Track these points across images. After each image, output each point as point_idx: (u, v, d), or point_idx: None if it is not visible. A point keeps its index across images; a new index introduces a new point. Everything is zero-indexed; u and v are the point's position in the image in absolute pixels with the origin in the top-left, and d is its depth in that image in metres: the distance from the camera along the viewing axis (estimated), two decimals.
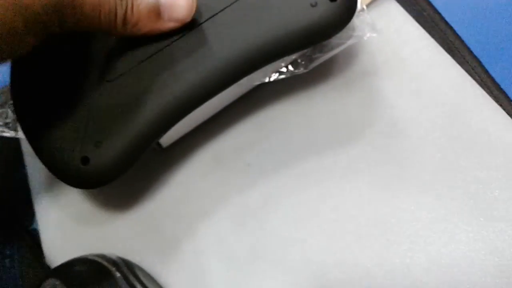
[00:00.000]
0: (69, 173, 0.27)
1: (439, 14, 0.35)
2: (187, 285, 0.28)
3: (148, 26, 0.27)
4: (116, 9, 0.25)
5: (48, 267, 0.30)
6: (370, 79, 0.32)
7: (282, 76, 0.30)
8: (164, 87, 0.27)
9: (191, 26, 0.28)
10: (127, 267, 0.27)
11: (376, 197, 0.28)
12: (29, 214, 0.33)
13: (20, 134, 0.33)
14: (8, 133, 0.33)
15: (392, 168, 0.29)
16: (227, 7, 0.28)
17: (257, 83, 0.31)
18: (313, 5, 0.27)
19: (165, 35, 0.28)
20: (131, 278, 0.26)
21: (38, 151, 0.28)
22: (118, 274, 0.26)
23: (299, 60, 0.31)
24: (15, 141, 0.35)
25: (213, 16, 0.28)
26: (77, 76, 0.28)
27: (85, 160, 0.27)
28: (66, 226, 0.32)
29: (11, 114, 0.33)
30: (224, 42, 0.28)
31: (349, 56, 0.33)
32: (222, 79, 0.28)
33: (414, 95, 0.31)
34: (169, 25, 0.27)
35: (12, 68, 0.30)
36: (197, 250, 0.29)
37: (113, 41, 0.28)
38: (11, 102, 0.32)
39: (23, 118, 0.29)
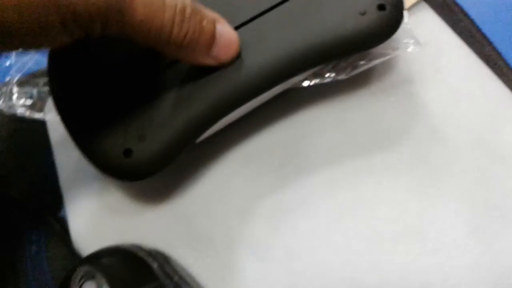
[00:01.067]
0: (110, 164, 0.27)
1: (476, 25, 0.35)
2: (220, 280, 0.28)
3: (192, 54, 0.26)
4: (171, 27, 0.24)
5: (78, 256, 0.30)
6: (407, 87, 0.32)
7: (324, 81, 0.30)
8: (211, 83, 0.27)
9: (240, 23, 0.28)
10: (163, 259, 0.27)
11: (413, 204, 0.28)
12: (58, 200, 0.32)
13: (48, 116, 0.33)
14: (32, 114, 0.32)
15: (430, 176, 0.29)
16: (276, 6, 0.28)
17: (298, 86, 0.31)
18: (362, 14, 0.27)
19: None
20: (168, 269, 0.26)
21: (78, 140, 0.28)
22: (155, 265, 0.26)
23: (341, 66, 0.31)
24: (43, 125, 0.35)
25: (261, 14, 0.28)
26: (121, 65, 0.28)
27: (127, 153, 0.27)
28: (96, 215, 0.31)
29: (35, 94, 0.33)
30: (272, 42, 0.28)
31: (386, 63, 0.33)
32: (267, 79, 0.28)
33: (452, 105, 0.31)
34: (208, 61, 0.27)
35: (51, 51, 0.30)
36: (230, 246, 0.29)
37: None
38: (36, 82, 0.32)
39: (61, 104, 0.29)
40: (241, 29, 0.28)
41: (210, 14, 0.26)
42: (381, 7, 0.27)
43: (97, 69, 0.28)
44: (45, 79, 0.34)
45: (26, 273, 0.30)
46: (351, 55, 0.30)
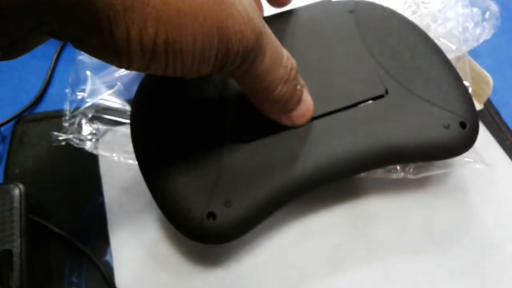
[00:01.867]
0: (191, 225, 0.27)
1: None
2: None
3: (277, 111, 0.28)
4: (279, 84, 0.25)
5: None
6: (461, 193, 0.34)
7: (392, 176, 0.32)
8: (296, 160, 0.28)
9: (331, 110, 0.29)
10: None
11: None
12: (104, 244, 0.31)
13: (101, 157, 0.33)
14: (100, 152, 0.32)
15: (479, 281, 0.30)
16: (369, 101, 0.30)
17: (365, 175, 0.32)
18: (445, 127, 0.29)
19: None
20: None
21: (158, 198, 0.28)
22: None
23: (410, 166, 0.32)
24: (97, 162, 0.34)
25: (350, 106, 0.30)
26: (208, 127, 0.29)
27: (211, 216, 0.27)
28: (144, 266, 0.30)
29: (103, 131, 0.33)
30: (359, 135, 0.29)
31: None
32: (347, 168, 0.29)
33: (502, 216, 0.33)
34: (285, 121, 0.28)
35: (136, 106, 0.30)
36: None
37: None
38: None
39: (143, 159, 0.29)
40: (334, 116, 0.29)
41: (301, 79, 0.28)
42: (462, 125, 0.30)
43: (182, 126, 0.29)
44: (113, 116, 0.34)
45: None
46: (427, 161, 0.31)
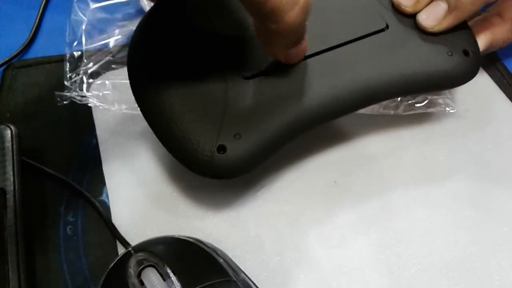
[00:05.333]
0: (201, 160, 0.26)
1: None
2: (271, 283, 0.27)
3: (279, 43, 0.26)
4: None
5: (121, 244, 0.28)
6: (459, 131, 0.34)
7: (384, 112, 0.32)
8: (302, 94, 0.28)
9: (332, 45, 0.29)
10: (226, 256, 0.26)
11: (460, 236, 0.30)
12: (98, 184, 0.31)
13: (92, 99, 0.32)
14: (104, 105, 0.32)
15: (476, 211, 0.31)
16: (369, 35, 0.29)
17: (362, 112, 0.32)
18: (449, 55, 0.29)
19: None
20: (233, 265, 0.25)
21: (163, 135, 0.27)
22: (221, 260, 0.25)
23: (400, 104, 0.32)
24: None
25: (352, 41, 0.29)
26: (210, 64, 0.28)
27: (221, 149, 0.26)
28: (139, 205, 0.30)
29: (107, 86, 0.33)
30: (364, 67, 0.29)
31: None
32: (354, 101, 0.29)
33: (500, 150, 0.33)
34: (281, 56, 0.27)
35: (135, 36, 0.29)
36: (280, 253, 0.29)
37: (253, 38, 0.27)
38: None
39: (143, 98, 0.28)
40: (336, 50, 0.29)
41: None
42: (465, 52, 0.30)
43: (183, 61, 0.28)
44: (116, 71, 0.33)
45: (59, 254, 0.28)
46: (430, 92, 0.31)
